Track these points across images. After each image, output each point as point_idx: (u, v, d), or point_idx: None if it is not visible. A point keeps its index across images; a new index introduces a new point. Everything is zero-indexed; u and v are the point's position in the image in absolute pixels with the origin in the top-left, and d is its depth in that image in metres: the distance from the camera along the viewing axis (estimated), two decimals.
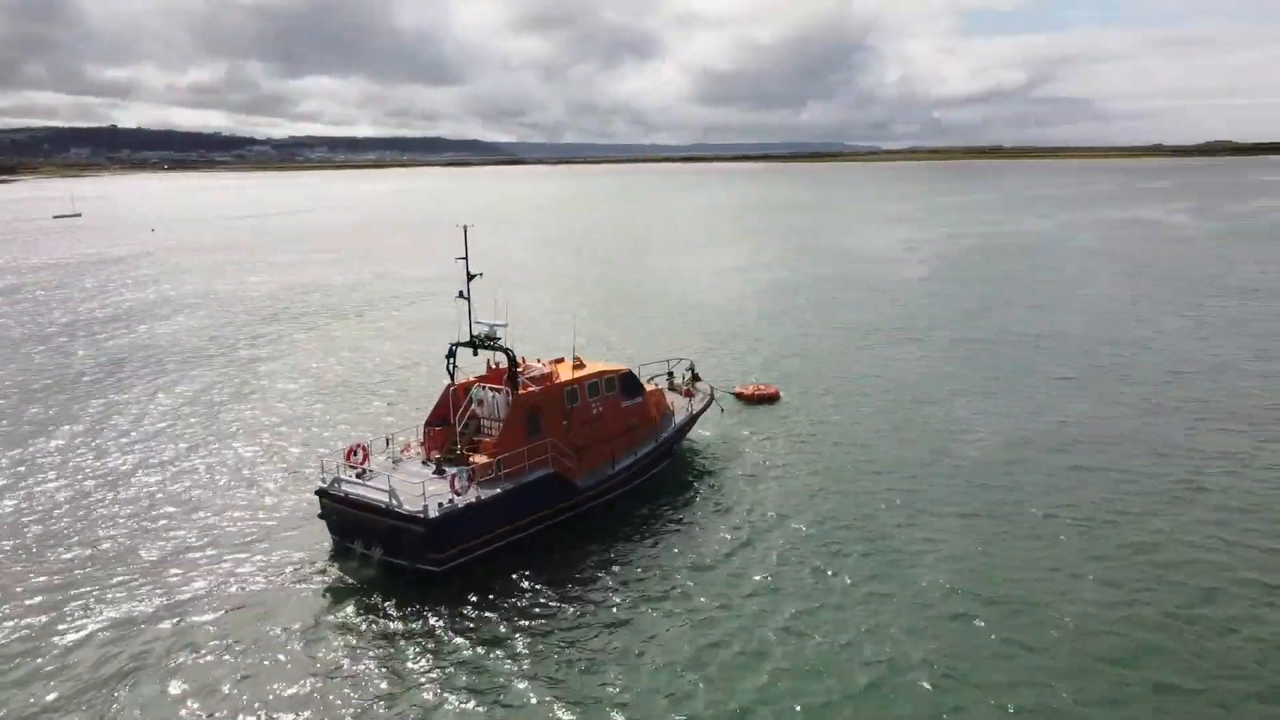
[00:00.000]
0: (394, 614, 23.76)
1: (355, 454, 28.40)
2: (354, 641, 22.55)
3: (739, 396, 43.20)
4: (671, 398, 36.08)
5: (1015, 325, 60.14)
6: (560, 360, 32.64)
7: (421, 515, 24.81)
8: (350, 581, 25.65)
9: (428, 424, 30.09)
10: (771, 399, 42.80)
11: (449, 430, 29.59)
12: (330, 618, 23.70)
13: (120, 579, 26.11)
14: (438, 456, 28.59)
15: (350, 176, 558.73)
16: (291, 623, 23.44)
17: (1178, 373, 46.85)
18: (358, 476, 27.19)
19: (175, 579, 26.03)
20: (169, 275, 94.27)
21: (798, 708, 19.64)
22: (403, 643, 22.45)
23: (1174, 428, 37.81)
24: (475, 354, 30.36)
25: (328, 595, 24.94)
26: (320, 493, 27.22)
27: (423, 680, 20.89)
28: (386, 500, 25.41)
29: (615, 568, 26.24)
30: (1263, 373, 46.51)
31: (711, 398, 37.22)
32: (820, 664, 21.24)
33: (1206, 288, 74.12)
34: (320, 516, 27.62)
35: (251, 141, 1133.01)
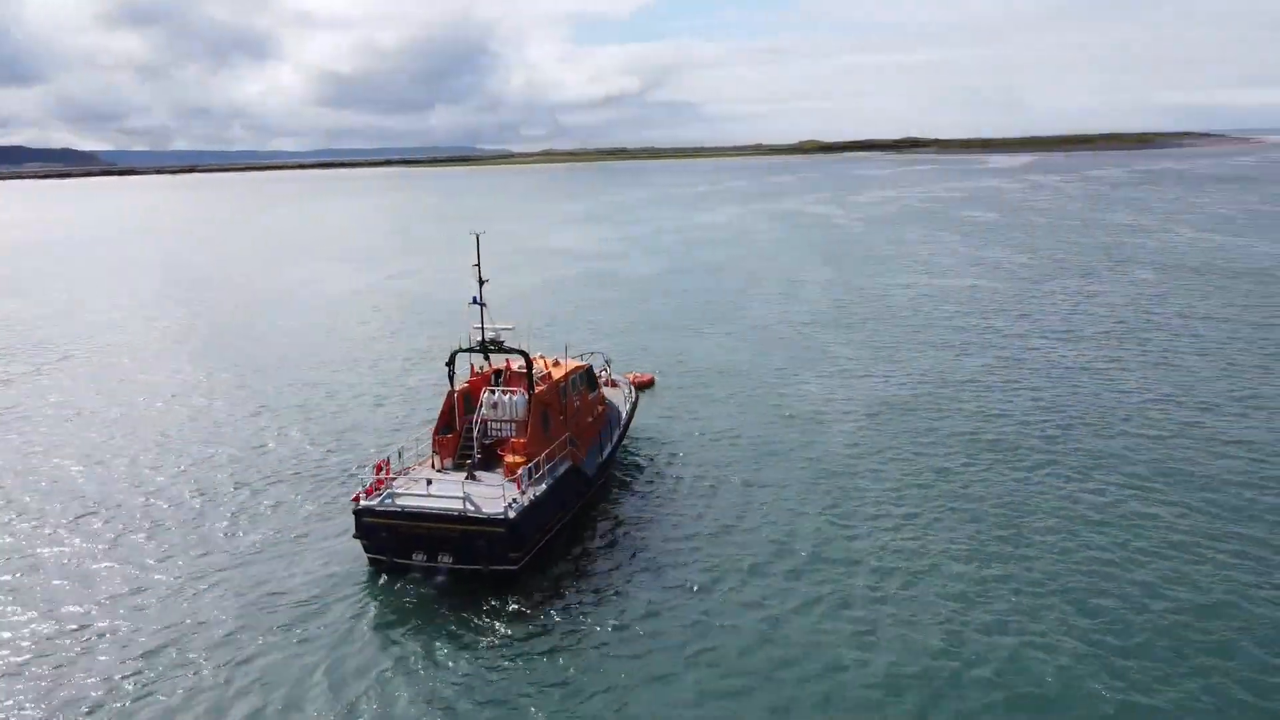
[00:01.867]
0: (479, 619, 24.94)
1: (381, 469, 28.87)
2: (454, 655, 23.37)
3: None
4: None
5: (778, 310, 68.82)
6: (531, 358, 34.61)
7: (502, 516, 26.21)
8: (422, 593, 26.24)
9: (437, 431, 30.87)
10: (649, 385, 46.84)
11: (459, 436, 30.67)
12: (407, 635, 24.21)
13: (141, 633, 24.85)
14: (468, 462, 29.70)
15: None
16: (365, 648, 23.56)
17: (949, 343, 57.31)
18: (427, 484, 27.91)
19: (200, 625, 25.21)
20: None
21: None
22: (497, 646, 23.60)
23: (982, 372, 47.21)
24: (487, 358, 31.76)
25: (393, 613, 25.38)
26: (363, 511, 27.33)
27: (539, 680, 22.53)
28: (460, 507, 26.45)
29: (638, 556, 29.15)
30: (998, 327, 58.37)
31: (635, 389, 40.64)
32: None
33: (895, 264, 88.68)
34: (357, 536, 27.73)
35: None
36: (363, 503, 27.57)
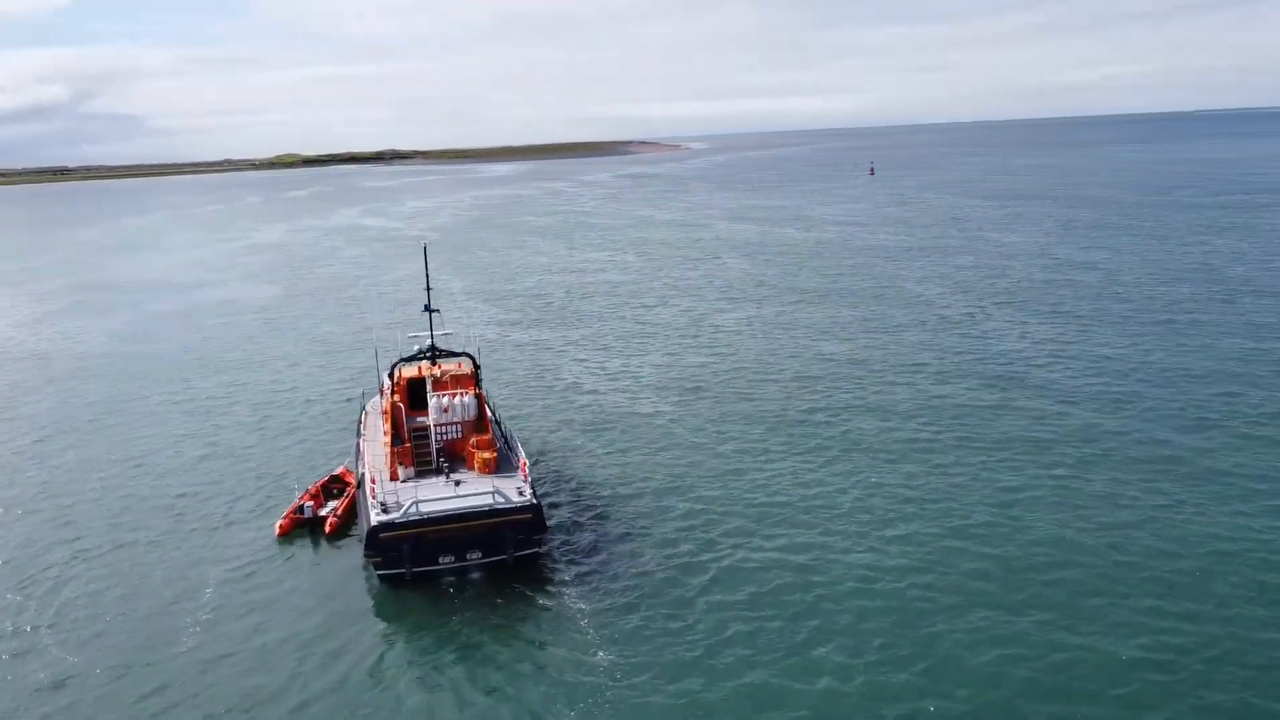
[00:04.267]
0: (529, 605, 27.39)
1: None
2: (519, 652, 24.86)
3: None
4: None
5: (468, 318, 72.58)
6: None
7: (529, 502, 28.61)
8: (453, 594, 27.86)
9: (392, 444, 31.39)
10: None
11: (411, 444, 31.65)
12: (464, 640, 25.51)
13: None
14: (445, 464, 31.19)
15: None
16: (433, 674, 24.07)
17: (652, 328, 65.86)
18: (455, 485, 29.38)
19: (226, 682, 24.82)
20: None
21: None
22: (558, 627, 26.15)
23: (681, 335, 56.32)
24: (434, 363, 32.86)
25: (439, 623, 26.41)
26: (380, 527, 27.65)
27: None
28: (490, 501, 28.26)
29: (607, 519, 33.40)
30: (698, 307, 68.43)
31: None
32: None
33: (519, 268, 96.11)
34: (369, 555, 27.97)
35: None
36: (377, 519, 27.96)
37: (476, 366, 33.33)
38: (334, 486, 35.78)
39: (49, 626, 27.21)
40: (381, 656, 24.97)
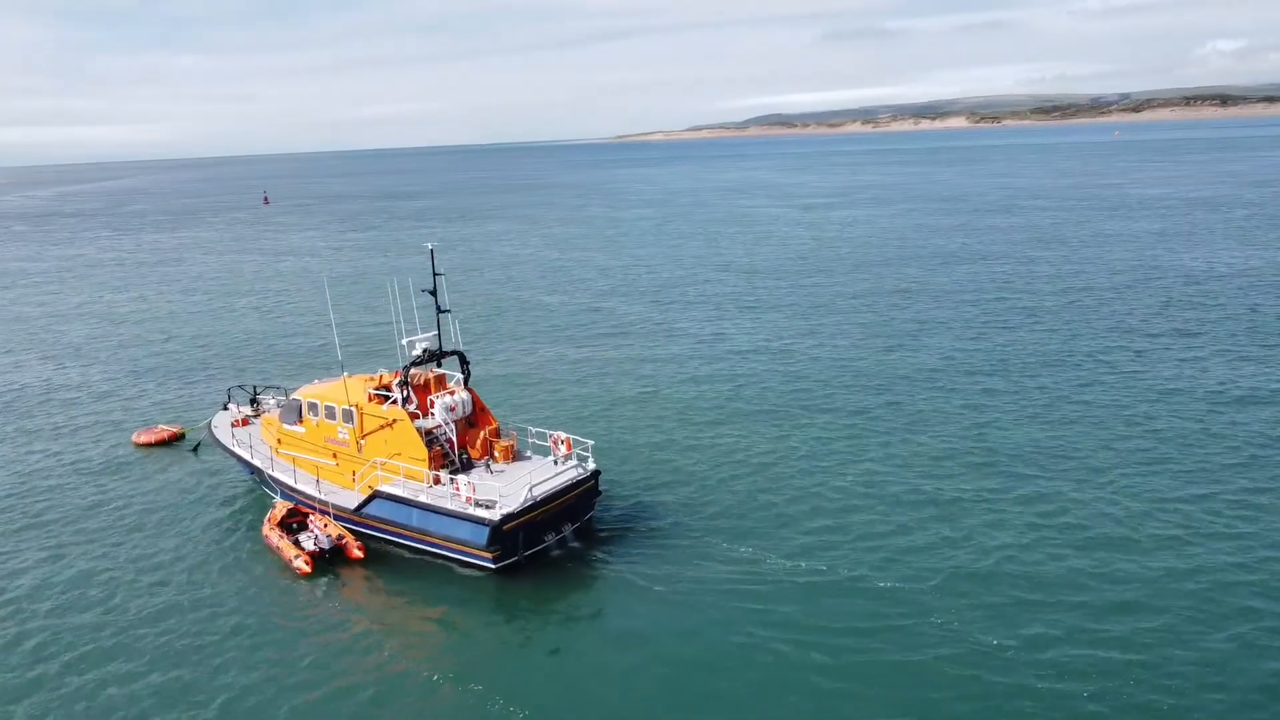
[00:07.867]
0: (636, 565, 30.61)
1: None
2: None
3: (143, 445, 44.51)
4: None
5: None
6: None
7: (594, 470, 32.84)
8: (584, 569, 30.43)
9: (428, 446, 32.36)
10: (180, 438, 45.16)
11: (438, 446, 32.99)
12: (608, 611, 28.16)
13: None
14: (486, 459, 33.24)
15: None
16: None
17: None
18: (555, 464, 32.13)
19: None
20: None
21: None
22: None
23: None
24: (439, 365, 34.39)
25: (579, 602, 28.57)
26: (504, 520, 29.21)
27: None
28: (575, 475, 32.02)
29: None
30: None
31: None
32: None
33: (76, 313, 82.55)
34: (495, 548, 29.38)
35: None
36: (500, 513, 29.48)
37: (465, 362, 34.98)
38: (291, 520, 33.69)
39: None
40: (539, 652, 26.02)
